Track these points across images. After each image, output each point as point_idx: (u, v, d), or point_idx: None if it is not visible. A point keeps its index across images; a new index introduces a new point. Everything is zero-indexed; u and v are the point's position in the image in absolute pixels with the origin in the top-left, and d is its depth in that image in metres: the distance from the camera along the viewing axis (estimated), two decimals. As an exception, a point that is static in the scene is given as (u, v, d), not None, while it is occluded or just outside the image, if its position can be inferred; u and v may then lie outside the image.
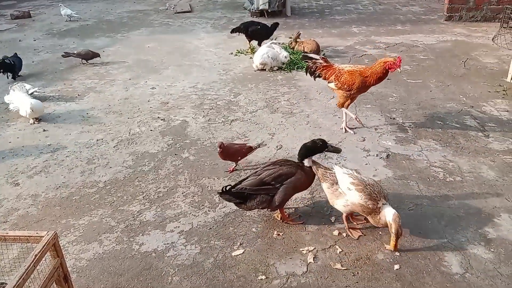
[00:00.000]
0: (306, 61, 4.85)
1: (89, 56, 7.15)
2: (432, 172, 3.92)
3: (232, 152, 3.91)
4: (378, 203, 2.90)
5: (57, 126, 5.03)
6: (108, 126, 5.00)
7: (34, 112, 5.05)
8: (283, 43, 7.69)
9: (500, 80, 6.09)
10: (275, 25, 7.56)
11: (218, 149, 3.82)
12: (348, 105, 4.64)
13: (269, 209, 3.25)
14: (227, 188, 3.06)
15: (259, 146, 4.12)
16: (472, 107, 5.26)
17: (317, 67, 4.71)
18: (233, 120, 5.06)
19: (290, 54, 6.90)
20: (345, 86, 4.44)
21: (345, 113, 4.69)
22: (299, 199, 3.54)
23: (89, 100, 5.77)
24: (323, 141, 3.22)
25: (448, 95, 5.65)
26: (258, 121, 5.01)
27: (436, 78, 6.27)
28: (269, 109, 5.32)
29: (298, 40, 7.39)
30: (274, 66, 6.68)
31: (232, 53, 7.69)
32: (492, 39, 8.09)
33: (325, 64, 4.70)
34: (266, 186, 3.07)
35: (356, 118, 4.65)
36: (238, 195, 3.08)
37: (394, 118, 5.02)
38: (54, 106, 5.57)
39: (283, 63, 6.73)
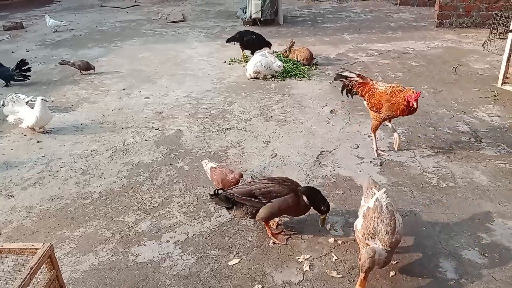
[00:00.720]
0: (341, 80, 4.63)
1: (83, 67, 7.16)
2: (425, 178, 3.95)
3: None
4: (365, 239, 2.70)
5: (51, 137, 5.01)
6: (102, 136, 5.00)
7: (42, 121, 5.05)
8: (275, 51, 7.73)
9: (491, 85, 6.16)
10: (268, 42, 7.60)
11: (240, 178, 3.52)
12: (376, 128, 4.40)
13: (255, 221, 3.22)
14: (219, 192, 3.07)
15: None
16: (464, 112, 5.31)
17: (353, 84, 4.50)
18: (227, 128, 5.07)
19: (283, 63, 6.95)
20: (374, 108, 4.25)
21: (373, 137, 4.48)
22: (294, 207, 3.55)
23: (83, 111, 5.77)
24: (328, 208, 3.08)
25: (440, 101, 5.71)
26: (252, 129, 5.03)
27: (428, 84, 6.33)
28: (263, 117, 5.34)
29: (292, 49, 7.44)
30: (267, 75, 6.72)
31: (225, 62, 7.73)
32: (482, 45, 8.19)
33: (361, 80, 4.48)
34: (253, 199, 3.01)
35: (376, 150, 4.42)
36: (226, 200, 3.06)
37: (387, 125, 5.05)
38: (48, 117, 5.56)
39: (276, 72, 6.77)
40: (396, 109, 4.06)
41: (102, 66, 7.68)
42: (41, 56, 8.49)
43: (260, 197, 3.02)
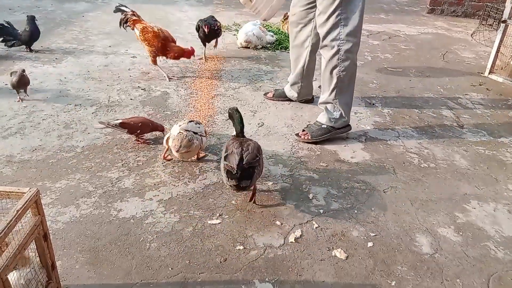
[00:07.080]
0: (120, 12, 5.46)
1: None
2: (407, 157, 4.03)
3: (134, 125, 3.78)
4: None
5: (33, 88, 4.87)
6: (86, 92, 4.89)
7: None
8: (262, 23, 7.62)
9: (477, 74, 6.27)
10: None
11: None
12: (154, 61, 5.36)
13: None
14: (244, 165, 2.89)
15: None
16: (449, 98, 5.41)
17: (127, 19, 5.38)
18: (215, 95, 5.03)
19: (275, 34, 6.88)
20: (147, 43, 5.21)
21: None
22: (278, 176, 3.58)
23: (67, 65, 5.61)
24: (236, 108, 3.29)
25: (426, 85, 5.78)
26: (240, 97, 5.00)
27: (416, 68, 6.39)
28: (251, 87, 5.31)
29: (285, 20, 7.36)
30: (258, 45, 6.65)
31: (215, 29, 7.58)
32: (471, 35, 8.28)
33: (135, 18, 5.37)
34: (258, 157, 3.04)
35: (168, 77, 5.40)
36: (248, 173, 2.95)
37: (373, 104, 5.11)
38: (31, 68, 5.39)
39: (269, 43, 6.70)
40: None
41: (88, 21, 7.46)
42: (25, 6, 8.17)
43: (258, 153, 3.06)
